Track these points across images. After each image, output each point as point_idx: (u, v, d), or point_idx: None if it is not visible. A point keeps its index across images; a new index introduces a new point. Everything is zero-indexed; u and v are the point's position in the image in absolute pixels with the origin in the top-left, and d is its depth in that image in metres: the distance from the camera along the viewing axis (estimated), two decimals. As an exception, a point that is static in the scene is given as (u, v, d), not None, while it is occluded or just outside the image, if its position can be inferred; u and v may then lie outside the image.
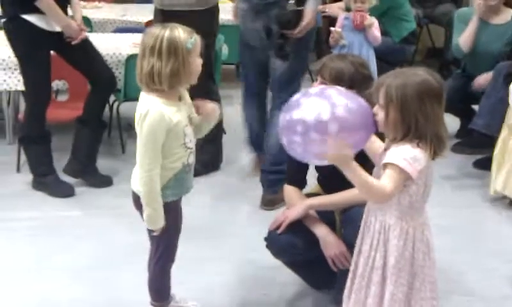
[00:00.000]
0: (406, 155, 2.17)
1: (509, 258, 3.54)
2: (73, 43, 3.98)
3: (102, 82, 4.20)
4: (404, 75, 2.21)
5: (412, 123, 2.17)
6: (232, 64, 6.56)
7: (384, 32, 5.86)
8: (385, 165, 2.19)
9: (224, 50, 5.81)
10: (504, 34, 4.74)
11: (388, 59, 5.36)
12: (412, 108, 2.16)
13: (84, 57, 4.13)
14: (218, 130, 4.60)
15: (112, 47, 4.86)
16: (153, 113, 2.45)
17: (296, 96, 2.29)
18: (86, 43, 4.13)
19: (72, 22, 3.98)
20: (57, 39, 3.97)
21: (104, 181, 4.31)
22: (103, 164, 4.46)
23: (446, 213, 3.94)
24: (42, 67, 3.98)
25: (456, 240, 3.70)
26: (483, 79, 4.64)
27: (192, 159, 2.63)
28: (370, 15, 4.81)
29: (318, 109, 2.17)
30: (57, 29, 3.94)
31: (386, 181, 2.17)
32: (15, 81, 4.54)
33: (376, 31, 4.83)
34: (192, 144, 2.61)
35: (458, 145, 5.07)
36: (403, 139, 2.19)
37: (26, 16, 3.84)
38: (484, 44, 4.75)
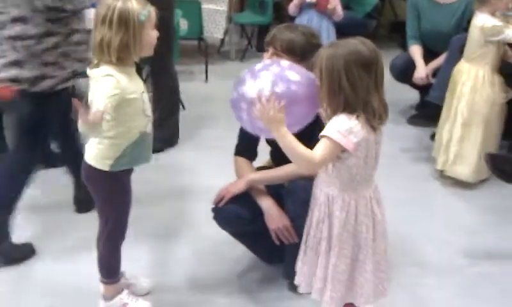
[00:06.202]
0: (341, 127, 2.15)
1: (463, 231, 3.57)
2: None
3: None
4: (336, 45, 2.20)
5: (340, 93, 2.14)
6: (193, 39, 6.50)
7: (346, 6, 5.84)
8: (321, 137, 2.18)
9: (184, 25, 5.75)
10: (455, 12, 4.68)
11: (350, 32, 5.29)
12: (338, 77, 2.14)
13: None
14: (174, 106, 4.56)
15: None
16: (109, 79, 2.35)
17: (244, 72, 2.32)
18: None
19: None
20: None
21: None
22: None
23: (402, 185, 3.98)
24: None
25: (411, 212, 3.72)
26: (419, 78, 4.67)
27: (150, 128, 2.55)
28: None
29: (260, 86, 2.20)
30: None
31: (316, 150, 2.16)
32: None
33: (338, 10, 4.84)
34: (150, 112, 2.54)
35: (414, 118, 5.10)
36: (340, 111, 2.17)
37: None
38: (436, 24, 4.72)
